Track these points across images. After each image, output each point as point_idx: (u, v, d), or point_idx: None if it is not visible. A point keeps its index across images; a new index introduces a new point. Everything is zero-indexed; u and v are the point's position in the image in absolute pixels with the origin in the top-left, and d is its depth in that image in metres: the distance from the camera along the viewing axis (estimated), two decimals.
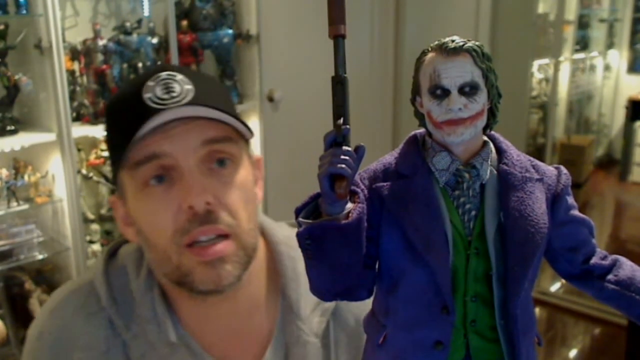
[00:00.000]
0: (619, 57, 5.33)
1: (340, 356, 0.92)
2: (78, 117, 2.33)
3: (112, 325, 0.87)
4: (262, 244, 0.95)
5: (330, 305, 0.91)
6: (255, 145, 2.61)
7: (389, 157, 0.59)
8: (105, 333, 0.86)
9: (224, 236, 0.80)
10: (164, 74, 0.79)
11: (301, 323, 0.89)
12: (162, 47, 2.50)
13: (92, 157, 2.42)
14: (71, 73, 2.31)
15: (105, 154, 2.40)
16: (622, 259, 0.60)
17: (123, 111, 0.81)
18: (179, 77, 0.79)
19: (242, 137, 0.84)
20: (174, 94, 0.77)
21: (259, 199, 0.92)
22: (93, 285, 0.89)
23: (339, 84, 0.51)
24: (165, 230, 0.79)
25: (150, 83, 0.78)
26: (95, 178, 2.44)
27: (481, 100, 0.54)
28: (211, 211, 0.78)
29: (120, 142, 0.78)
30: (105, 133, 0.86)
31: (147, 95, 0.77)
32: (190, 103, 0.77)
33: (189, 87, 0.79)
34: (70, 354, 0.86)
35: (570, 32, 4.29)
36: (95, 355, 0.85)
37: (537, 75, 4.01)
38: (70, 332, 0.87)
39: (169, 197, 0.78)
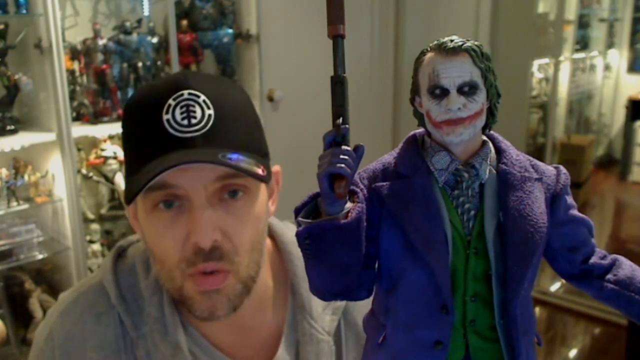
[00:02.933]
0: (619, 57, 5.33)
1: (349, 354, 0.93)
2: (78, 117, 2.33)
3: (122, 324, 0.87)
4: (270, 244, 0.95)
5: (341, 304, 0.93)
6: None
7: (388, 157, 0.59)
8: (115, 332, 0.87)
9: (226, 272, 0.80)
10: (186, 93, 0.76)
11: (313, 321, 0.90)
12: (162, 46, 2.50)
13: (92, 157, 2.42)
14: (71, 73, 2.32)
15: (105, 153, 2.40)
16: (622, 259, 0.60)
17: (140, 127, 0.79)
18: (202, 98, 0.76)
19: None
20: (194, 120, 0.75)
21: (270, 213, 0.92)
22: (102, 286, 0.89)
23: (339, 84, 0.51)
24: (172, 255, 0.79)
25: (171, 102, 0.76)
26: (95, 178, 2.44)
27: (480, 99, 0.54)
28: (217, 247, 0.78)
29: (133, 158, 0.78)
30: (122, 135, 0.84)
31: (166, 117, 0.75)
32: (208, 135, 0.75)
33: (210, 112, 0.76)
34: (82, 354, 0.86)
35: (570, 31, 4.29)
36: (107, 355, 0.86)
37: (537, 75, 4.00)
38: (81, 333, 0.87)
39: (177, 224, 0.78)
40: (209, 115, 0.76)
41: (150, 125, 0.76)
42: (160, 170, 0.72)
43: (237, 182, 0.79)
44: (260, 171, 0.78)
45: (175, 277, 0.81)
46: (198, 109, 0.76)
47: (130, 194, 0.77)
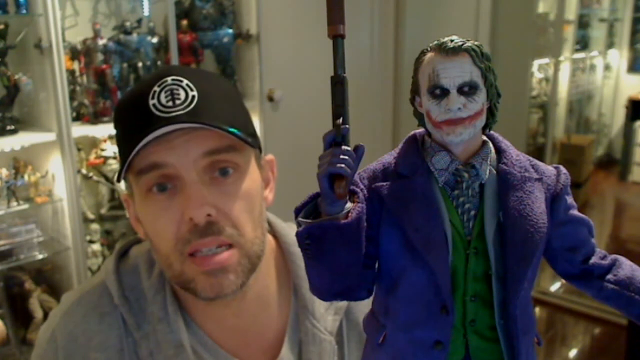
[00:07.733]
0: (619, 57, 5.33)
1: (352, 354, 0.93)
2: (78, 117, 2.33)
3: (125, 325, 0.87)
4: (272, 244, 0.95)
5: (344, 304, 0.93)
6: None
7: (389, 157, 0.59)
8: (118, 332, 0.87)
9: (228, 245, 0.80)
10: (169, 79, 0.79)
11: (316, 321, 0.90)
12: (162, 46, 2.50)
13: (92, 156, 2.42)
14: (71, 73, 2.31)
15: (105, 153, 2.41)
16: (622, 259, 0.60)
17: (128, 115, 0.81)
18: (185, 82, 0.79)
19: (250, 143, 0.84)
20: (178, 101, 0.77)
21: (269, 202, 0.92)
22: (105, 286, 0.90)
23: (338, 84, 0.51)
24: (167, 238, 0.80)
25: (156, 88, 0.79)
26: (95, 178, 2.44)
27: (480, 99, 0.54)
28: (213, 222, 0.78)
29: (125, 146, 0.79)
30: (114, 132, 0.87)
31: (152, 102, 0.78)
32: (193, 112, 0.77)
33: (193, 93, 0.79)
34: (86, 354, 0.86)
35: (570, 31, 4.29)
36: (110, 355, 0.86)
37: (537, 75, 4.00)
38: (84, 333, 0.87)
39: (172, 205, 0.79)
40: (193, 96, 0.78)
41: (138, 112, 0.78)
42: (145, 137, 0.74)
43: (226, 159, 0.80)
44: (248, 139, 0.80)
45: (172, 263, 0.81)
46: (182, 91, 0.78)
47: (119, 171, 0.79)
